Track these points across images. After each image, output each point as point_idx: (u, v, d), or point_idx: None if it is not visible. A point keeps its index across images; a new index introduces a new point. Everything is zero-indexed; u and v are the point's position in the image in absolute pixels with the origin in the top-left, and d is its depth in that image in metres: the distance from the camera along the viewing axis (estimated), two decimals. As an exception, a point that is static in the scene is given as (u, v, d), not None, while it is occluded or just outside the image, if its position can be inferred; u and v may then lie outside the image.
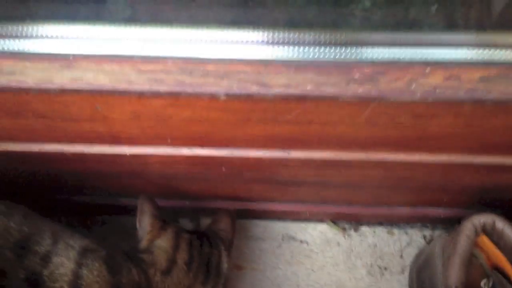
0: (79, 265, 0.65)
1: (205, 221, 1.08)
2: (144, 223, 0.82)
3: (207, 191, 0.93)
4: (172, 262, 0.77)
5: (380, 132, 0.64)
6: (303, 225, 1.08)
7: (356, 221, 1.07)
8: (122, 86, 0.54)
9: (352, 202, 0.96)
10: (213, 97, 0.55)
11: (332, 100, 0.55)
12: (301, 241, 1.07)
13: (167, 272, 0.76)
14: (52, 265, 0.64)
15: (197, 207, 1.02)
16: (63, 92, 0.55)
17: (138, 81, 0.54)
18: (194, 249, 0.81)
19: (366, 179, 0.81)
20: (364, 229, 1.08)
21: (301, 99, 0.55)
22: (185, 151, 0.74)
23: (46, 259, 0.64)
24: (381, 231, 1.08)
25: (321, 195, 0.91)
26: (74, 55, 0.55)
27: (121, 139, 0.70)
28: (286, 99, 0.55)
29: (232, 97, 0.55)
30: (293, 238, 1.07)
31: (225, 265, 0.85)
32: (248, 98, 0.55)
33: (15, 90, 0.55)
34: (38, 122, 0.65)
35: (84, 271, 0.65)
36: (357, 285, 1.03)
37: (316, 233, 1.08)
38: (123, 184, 0.89)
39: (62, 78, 0.54)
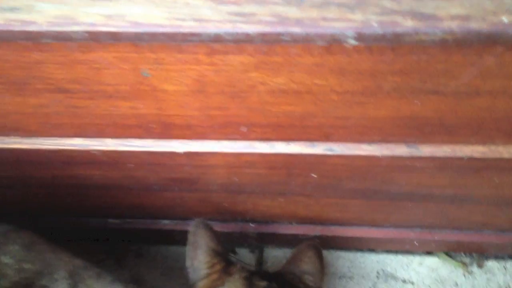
0: None
1: (271, 252, 0.90)
2: (198, 261, 0.64)
3: (282, 210, 0.75)
4: None
5: None
6: (405, 258, 0.88)
7: (480, 253, 0.87)
8: (187, 27, 0.37)
9: (486, 226, 0.75)
10: (334, 41, 0.37)
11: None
12: (404, 281, 0.87)
13: None
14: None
15: (263, 233, 0.83)
16: (95, 39, 0.38)
17: (213, 18, 0.36)
18: None
19: (526, 190, 0.61)
20: (491, 264, 0.87)
21: (487, 42, 0.36)
22: (263, 147, 0.56)
23: None
24: (515, 266, 0.87)
25: (446, 216, 0.71)
26: (110, -21, 0.37)
27: (174, 128, 0.53)
28: (459, 42, 0.36)
29: (368, 40, 0.37)
30: (392, 277, 0.87)
31: None
32: (395, 41, 0.36)
33: (19, 37, 0.38)
34: (54, 101, 0.48)
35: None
36: None
37: (424, 269, 0.87)
38: (168, 200, 0.72)
39: (92, 16, 0.37)
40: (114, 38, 0.37)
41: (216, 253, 0.64)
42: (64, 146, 0.56)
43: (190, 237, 0.65)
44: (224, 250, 0.66)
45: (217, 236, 0.66)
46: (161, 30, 0.37)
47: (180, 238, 0.71)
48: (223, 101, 0.47)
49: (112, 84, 0.45)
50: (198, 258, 0.64)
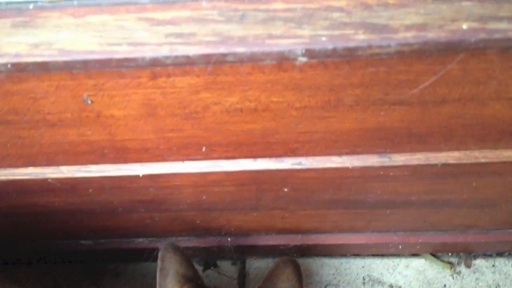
0: None
1: (253, 263, 0.88)
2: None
3: (257, 223, 0.72)
4: None
5: None
6: (390, 262, 0.86)
7: (467, 252, 0.84)
8: (122, 52, 0.34)
9: (470, 227, 0.73)
10: (283, 59, 0.34)
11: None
12: (391, 285, 0.84)
13: None
14: None
15: (241, 246, 0.80)
16: (21, 70, 0.35)
17: (150, 41, 0.33)
18: None
19: (507, 192, 0.58)
20: (479, 262, 0.85)
21: (447, 51, 0.34)
22: (229, 165, 0.53)
23: None
24: (503, 264, 0.85)
25: (428, 219, 0.69)
26: (35, 4, 0.34)
27: (129, 152, 0.50)
28: (417, 53, 0.34)
29: (319, 56, 0.34)
30: (379, 281, 0.85)
31: None
32: (348, 56, 0.34)
33: None
34: (-4, 132, 0.45)
35: None
36: None
37: (411, 272, 0.85)
38: (138, 221, 0.69)
39: (17, 45, 0.34)
40: (43, 69, 0.34)
41: (187, 279, 0.61)
42: (16, 176, 0.53)
43: (159, 263, 0.61)
44: (196, 274, 0.63)
45: (188, 259, 0.62)
46: (93, 57, 0.34)
47: (157, 255, 0.68)
48: (177, 123, 0.44)
49: (53, 113, 0.42)
50: (168, 286, 0.60)
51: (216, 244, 0.80)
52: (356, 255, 0.87)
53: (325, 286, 0.85)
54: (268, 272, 0.68)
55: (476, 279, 0.84)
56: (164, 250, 0.61)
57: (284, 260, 0.68)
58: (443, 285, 0.84)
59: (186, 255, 0.63)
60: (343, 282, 0.85)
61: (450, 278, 0.84)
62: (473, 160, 0.51)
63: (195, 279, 0.61)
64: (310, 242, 0.79)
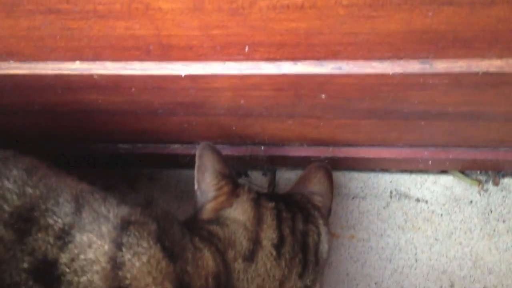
0: (118, 245, 0.47)
1: (283, 174, 0.90)
2: (206, 184, 0.63)
3: (291, 132, 0.73)
4: (255, 243, 0.58)
5: None
6: (419, 177, 0.87)
7: (495, 170, 0.85)
8: None
9: (501, 143, 0.73)
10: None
11: None
12: (418, 200, 0.86)
13: (250, 257, 0.56)
14: (74, 247, 0.46)
15: (274, 156, 0.82)
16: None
17: None
18: (284, 225, 0.60)
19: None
20: (507, 181, 0.86)
21: None
22: (269, 68, 0.54)
23: (64, 237, 0.46)
24: (531, 183, 0.85)
25: (461, 133, 0.69)
26: None
27: (174, 50, 0.50)
28: None
29: None
30: (406, 196, 0.87)
31: (325, 247, 0.64)
32: None
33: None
34: (46, 23, 0.46)
35: (127, 256, 0.47)
36: (501, 258, 0.82)
37: (438, 188, 0.86)
38: (176, 125, 0.71)
39: None
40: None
41: (223, 175, 0.63)
42: (63, 70, 0.55)
43: (197, 161, 0.64)
44: (231, 173, 0.65)
45: (224, 159, 0.65)
46: None
47: (192, 162, 0.71)
48: (222, 19, 0.45)
49: (103, 3, 0.42)
50: (205, 181, 0.63)
51: (249, 153, 0.82)
52: (385, 170, 0.88)
53: (352, 198, 0.88)
54: (300, 176, 0.71)
55: (503, 196, 0.85)
56: (201, 149, 0.63)
57: (317, 165, 0.69)
58: (469, 201, 0.85)
59: (222, 155, 0.65)
60: (370, 195, 0.87)
61: (477, 195, 0.86)
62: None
63: (231, 177, 0.64)
64: (340, 155, 0.80)
